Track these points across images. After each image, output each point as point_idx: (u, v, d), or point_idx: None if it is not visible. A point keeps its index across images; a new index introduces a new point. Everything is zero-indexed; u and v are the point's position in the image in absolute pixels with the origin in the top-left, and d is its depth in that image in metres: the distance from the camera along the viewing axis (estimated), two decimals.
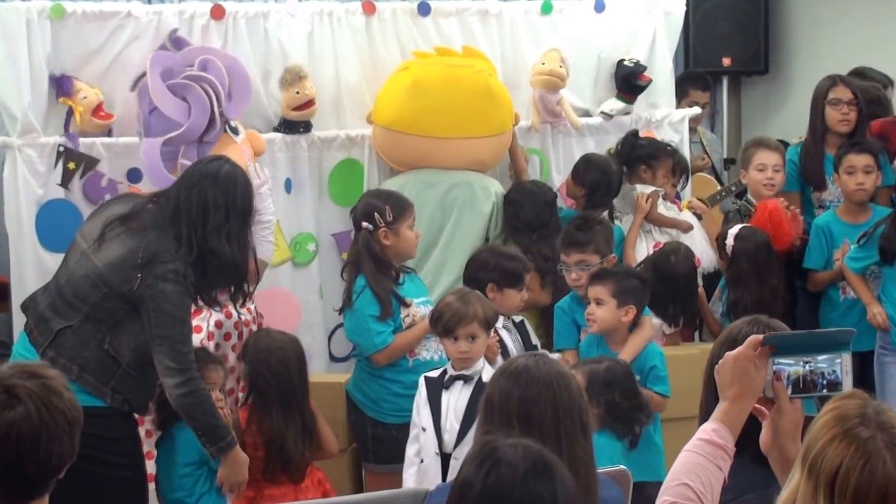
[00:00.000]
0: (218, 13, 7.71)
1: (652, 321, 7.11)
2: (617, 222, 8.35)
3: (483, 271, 7.06)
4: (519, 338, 6.89)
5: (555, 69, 8.32)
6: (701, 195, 9.79)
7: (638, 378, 6.30)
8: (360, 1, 8.28)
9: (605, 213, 8.21)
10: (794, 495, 2.99)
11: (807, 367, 3.46)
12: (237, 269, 6.03)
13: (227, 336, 7.00)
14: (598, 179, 8.24)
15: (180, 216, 5.89)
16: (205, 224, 5.88)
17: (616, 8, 8.94)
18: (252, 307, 6.97)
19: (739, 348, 3.48)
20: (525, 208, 7.94)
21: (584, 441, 3.90)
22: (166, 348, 5.75)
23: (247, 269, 6.10)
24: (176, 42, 7.49)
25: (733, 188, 9.67)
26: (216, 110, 7.09)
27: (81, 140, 7.45)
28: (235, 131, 7.20)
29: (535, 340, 7.06)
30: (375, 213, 7.06)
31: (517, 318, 7.06)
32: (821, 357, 3.45)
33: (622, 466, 4.94)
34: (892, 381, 7.61)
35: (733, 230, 8.15)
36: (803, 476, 2.97)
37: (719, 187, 10.03)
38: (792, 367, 3.46)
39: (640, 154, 8.51)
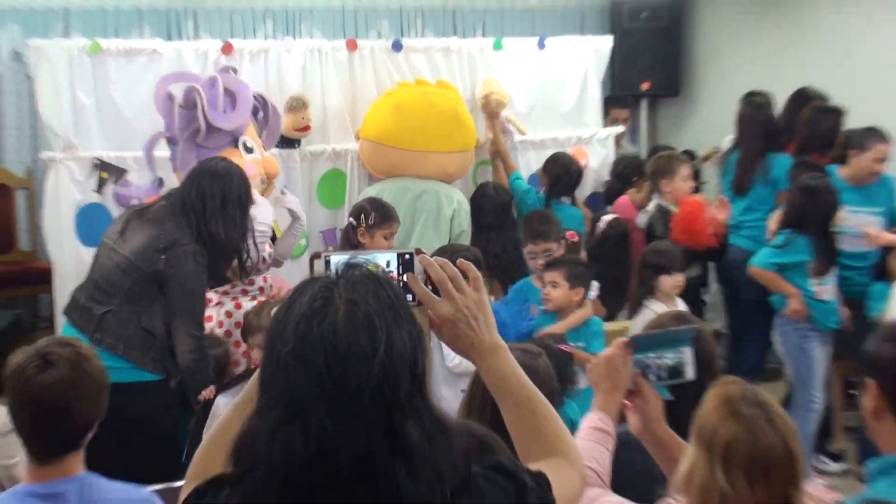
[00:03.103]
0: (227, 49, 7.81)
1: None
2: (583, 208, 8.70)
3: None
4: None
5: (495, 90, 8.43)
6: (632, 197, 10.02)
7: (581, 344, 6.51)
8: (344, 39, 8.44)
9: (569, 200, 8.46)
10: (691, 468, 3.01)
11: (660, 361, 3.47)
12: (235, 250, 6.17)
13: (237, 324, 7.05)
14: (560, 173, 8.43)
15: (185, 207, 6.00)
16: (204, 212, 5.98)
17: (555, 45, 9.07)
18: (262, 299, 6.85)
19: (609, 349, 3.46)
20: (485, 211, 8.13)
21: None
22: (186, 318, 5.83)
23: (244, 249, 6.21)
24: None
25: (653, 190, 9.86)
26: (202, 114, 6.92)
27: (113, 153, 7.52)
28: (249, 150, 7.13)
29: None
30: (362, 214, 7.16)
31: None
32: (669, 352, 3.47)
33: None
34: (816, 363, 7.38)
35: (607, 217, 8.39)
36: (699, 451, 3.01)
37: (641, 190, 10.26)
38: (650, 361, 3.47)
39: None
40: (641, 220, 8.58)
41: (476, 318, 2.53)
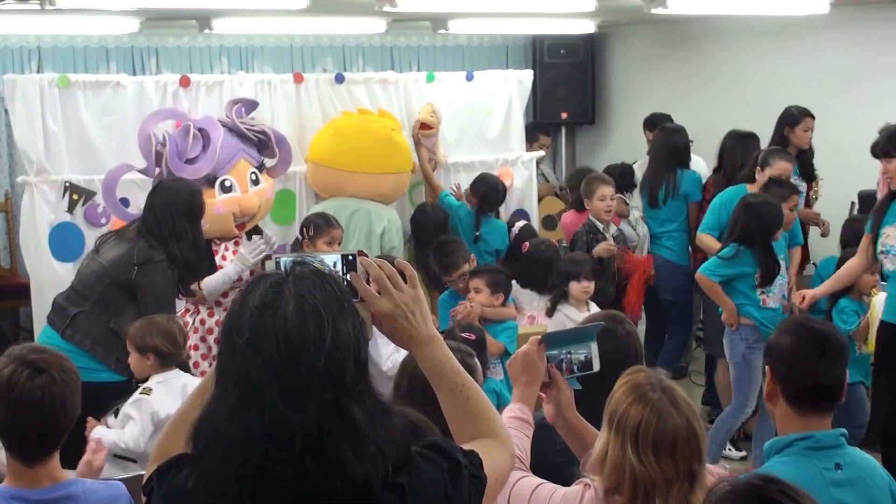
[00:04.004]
0: (185, 82, 7.75)
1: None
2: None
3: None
4: None
5: (426, 118, 8.43)
6: (551, 211, 10.09)
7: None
8: (291, 73, 8.44)
9: (495, 215, 8.49)
10: (605, 449, 3.06)
11: (570, 356, 3.48)
12: (195, 264, 6.18)
13: (209, 331, 7.06)
14: (488, 192, 8.44)
15: (147, 228, 6.09)
16: (160, 232, 6.06)
17: (482, 78, 9.11)
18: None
19: (525, 346, 3.45)
20: (425, 228, 8.17)
21: None
22: None
23: (196, 266, 6.21)
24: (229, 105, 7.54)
25: (576, 205, 9.92)
26: (164, 164, 6.98)
27: (82, 177, 7.45)
28: (227, 189, 7.15)
29: None
30: (304, 228, 7.25)
31: None
32: (578, 347, 3.48)
33: None
34: (757, 373, 7.13)
35: (520, 223, 8.59)
36: (611, 434, 3.05)
37: (563, 206, 10.34)
38: (563, 356, 3.47)
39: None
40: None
41: (413, 313, 2.54)
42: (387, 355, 6.08)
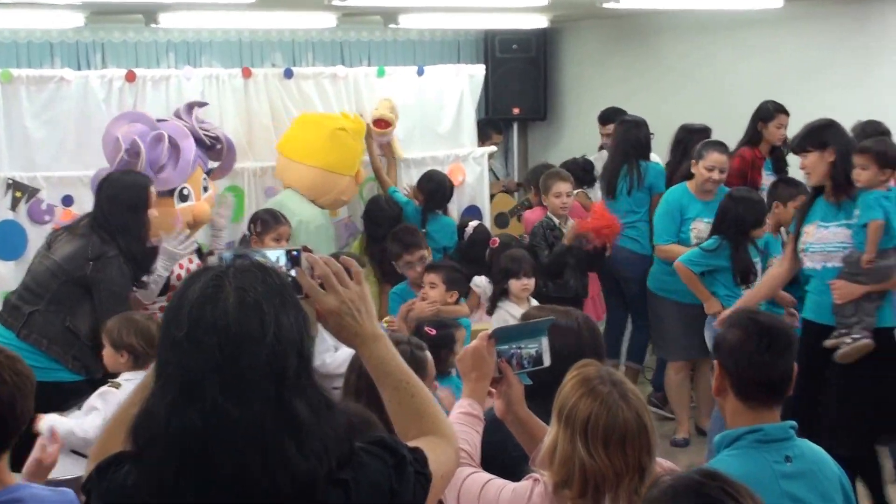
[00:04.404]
0: (131, 77, 7.67)
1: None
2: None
3: None
4: None
5: (385, 114, 8.41)
6: (503, 209, 10.10)
7: None
8: (239, 68, 8.38)
9: (441, 212, 8.48)
10: (554, 443, 3.06)
11: (520, 351, 3.46)
12: (144, 256, 6.15)
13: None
14: (434, 189, 8.44)
15: (98, 223, 6.08)
16: (108, 222, 6.05)
17: (433, 73, 9.11)
18: None
19: (474, 342, 3.43)
20: (379, 223, 8.12)
21: None
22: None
23: (142, 260, 6.16)
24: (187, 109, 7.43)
25: (525, 203, 9.98)
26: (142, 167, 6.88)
27: (25, 174, 7.35)
28: (184, 197, 7.09)
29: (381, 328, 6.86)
30: (252, 224, 7.26)
31: None
32: (529, 342, 3.47)
33: None
34: None
35: (473, 223, 8.55)
36: (560, 427, 3.05)
37: (515, 203, 10.35)
38: (513, 351, 3.46)
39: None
40: None
41: (359, 310, 2.53)
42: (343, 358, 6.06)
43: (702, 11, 10.45)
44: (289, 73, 8.37)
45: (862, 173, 6.15)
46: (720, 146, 7.93)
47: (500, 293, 7.32)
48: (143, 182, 6.36)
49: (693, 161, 7.88)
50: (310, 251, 2.56)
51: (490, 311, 7.33)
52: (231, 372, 2.08)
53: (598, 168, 9.67)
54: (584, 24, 11.96)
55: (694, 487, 2.21)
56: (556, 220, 8.27)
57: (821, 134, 6.44)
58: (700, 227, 7.76)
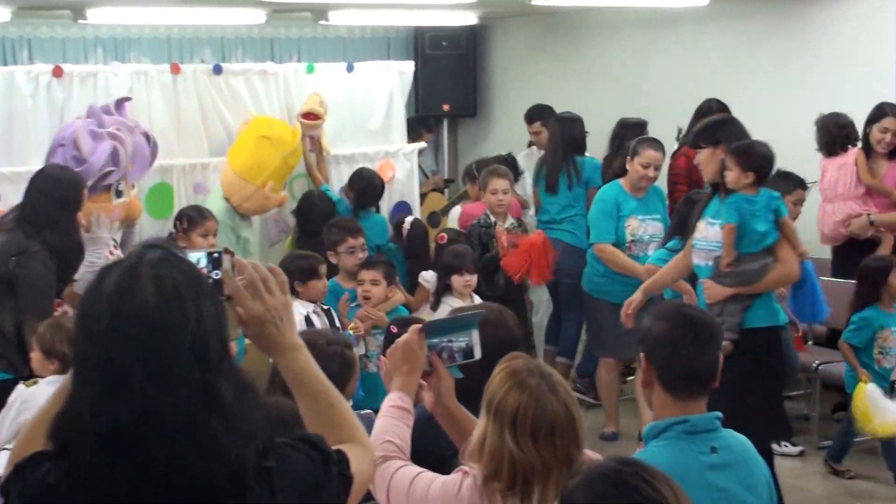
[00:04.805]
0: (58, 73, 7.57)
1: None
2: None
3: (287, 274, 6.74)
4: (326, 321, 6.72)
5: (313, 108, 8.38)
6: (435, 208, 10.10)
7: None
8: (168, 63, 8.32)
9: (374, 210, 8.45)
10: (483, 436, 3.07)
11: (451, 344, 3.47)
12: (72, 253, 6.07)
13: None
14: (365, 187, 8.41)
15: (26, 216, 5.99)
16: (36, 216, 5.97)
17: (363, 69, 9.08)
18: None
19: (405, 335, 3.43)
20: (311, 218, 8.08)
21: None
22: (36, 317, 5.69)
23: (69, 257, 6.10)
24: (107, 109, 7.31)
25: (457, 200, 9.99)
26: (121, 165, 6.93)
27: None
28: (119, 193, 7.05)
29: (337, 323, 6.85)
30: (178, 221, 7.24)
31: (325, 306, 6.86)
32: (459, 335, 3.47)
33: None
34: None
35: (409, 218, 8.59)
36: (489, 420, 3.06)
37: (447, 201, 10.37)
38: (444, 344, 3.46)
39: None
40: None
41: (282, 319, 2.53)
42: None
43: (629, 9, 10.54)
44: (218, 70, 8.31)
45: (728, 174, 6.16)
46: (655, 143, 7.92)
47: (444, 288, 7.37)
48: (78, 180, 6.28)
49: (628, 158, 7.89)
50: (231, 253, 2.55)
51: (434, 307, 7.35)
52: (156, 359, 2.07)
53: (527, 165, 9.71)
54: (514, 22, 12.02)
55: (611, 474, 2.23)
56: (493, 218, 8.29)
57: (714, 131, 6.49)
58: (634, 225, 7.77)
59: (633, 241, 7.68)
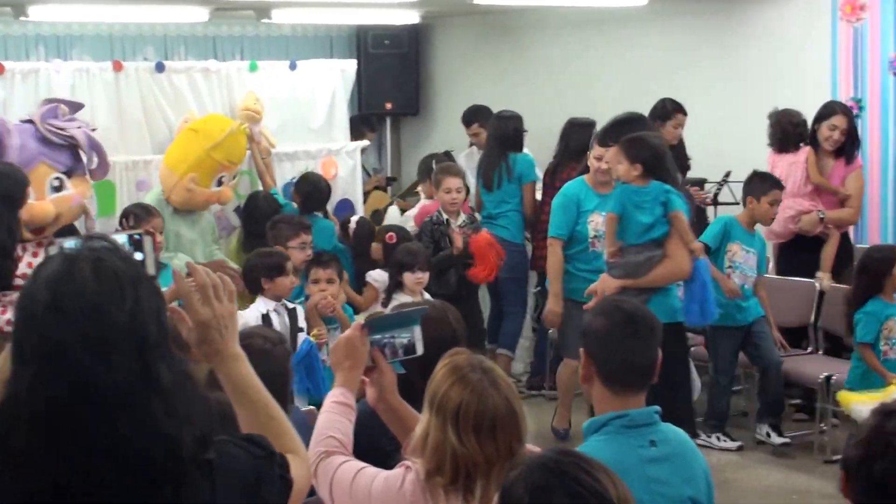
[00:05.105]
0: None
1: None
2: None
3: (255, 270, 6.76)
4: (287, 320, 6.66)
5: (250, 106, 8.35)
6: (378, 206, 10.11)
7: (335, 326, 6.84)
8: (110, 61, 8.28)
9: (321, 215, 8.39)
10: (426, 431, 3.09)
11: (393, 340, 3.48)
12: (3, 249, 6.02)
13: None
14: (311, 191, 8.37)
15: None
16: None
17: (305, 67, 9.07)
18: None
19: (347, 331, 3.45)
20: (256, 219, 8.03)
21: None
22: None
23: (8, 252, 6.05)
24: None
25: (400, 199, 9.99)
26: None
27: None
28: (56, 189, 6.92)
29: (301, 323, 6.77)
30: (123, 219, 7.18)
31: (290, 305, 6.78)
32: (402, 331, 3.49)
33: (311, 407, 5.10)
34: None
35: (355, 217, 8.58)
36: (432, 415, 3.08)
37: (389, 199, 10.38)
38: (386, 340, 3.47)
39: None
40: None
41: (227, 328, 2.53)
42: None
43: (570, 8, 10.58)
44: (160, 67, 8.26)
45: (618, 167, 6.22)
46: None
47: (395, 286, 7.37)
48: (23, 178, 6.21)
49: (588, 154, 7.69)
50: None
51: (385, 304, 7.34)
52: (95, 334, 2.06)
53: (468, 164, 9.74)
54: (456, 21, 12.04)
55: (550, 464, 2.24)
56: (445, 216, 8.29)
57: (619, 129, 6.53)
58: (597, 221, 7.54)
59: (595, 236, 7.55)
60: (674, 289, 6.36)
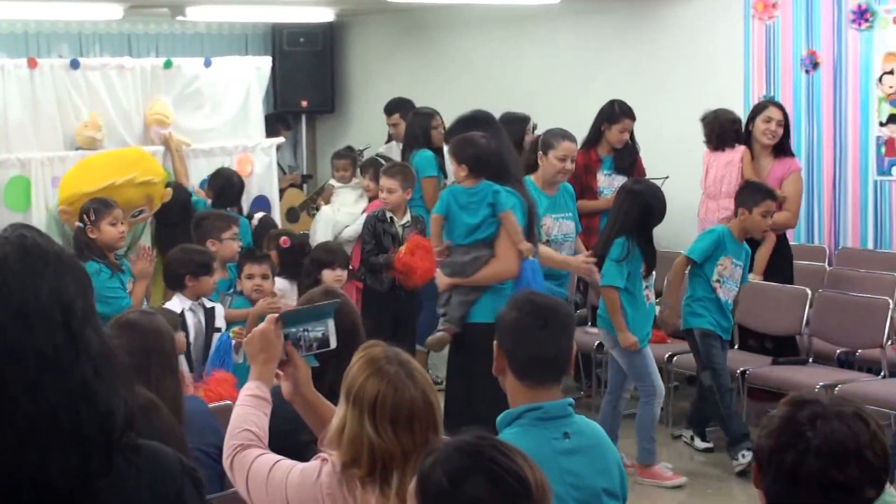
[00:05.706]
0: None
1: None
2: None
3: (180, 267, 6.59)
4: (202, 318, 6.52)
5: (159, 111, 8.33)
6: (293, 203, 10.07)
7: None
8: (25, 58, 8.15)
9: (235, 210, 8.31)
10: (342, 423, 3.07)
11: (307, 333, 3.48)
12: None
13: None
14: (224, 186, 8.32)
15: None
16: None
17: (220, 64, 9.01)
18: None
19: (262, 325, 3.43)
20: (169, 209, 7.90)
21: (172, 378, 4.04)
22: None
23: None
24: None
25: (315, 196, 9.98)
26: None
27: None
28: None
29: (219, 323, 6.65)
30: (83, 214, 7.00)
31: (208, 304, 6.62)
32: (315, 324, 3.49)
33: None
34: (650, 358, 6.93)
35: (258, 215, 8.56)
36: (349, 407, 3.07)
37: (305, 197, 10.36)
38: (300, 333, 3.47)
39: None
40: None
41: None
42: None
43: (483, 6, 10.63)
44: (75, 64, 8.18)
45: (453, 167, 6.28)
46: (569, 134, 7.29)
47: (313, 283, 7.25)
48: None
49: (539, 153, 7.25)
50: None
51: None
52: (18, 300, 2.02)
53: (386, 160, 9.75)
54: (370, 19, 12.04)
55: (466, 447, 2.26)
56: (388, 214, 8.27)
57: (464, 125, 6.53)
58: (549, 224, 7.28)
59: (547, 241, 7.19)
60: (507, 289, 6.21)
